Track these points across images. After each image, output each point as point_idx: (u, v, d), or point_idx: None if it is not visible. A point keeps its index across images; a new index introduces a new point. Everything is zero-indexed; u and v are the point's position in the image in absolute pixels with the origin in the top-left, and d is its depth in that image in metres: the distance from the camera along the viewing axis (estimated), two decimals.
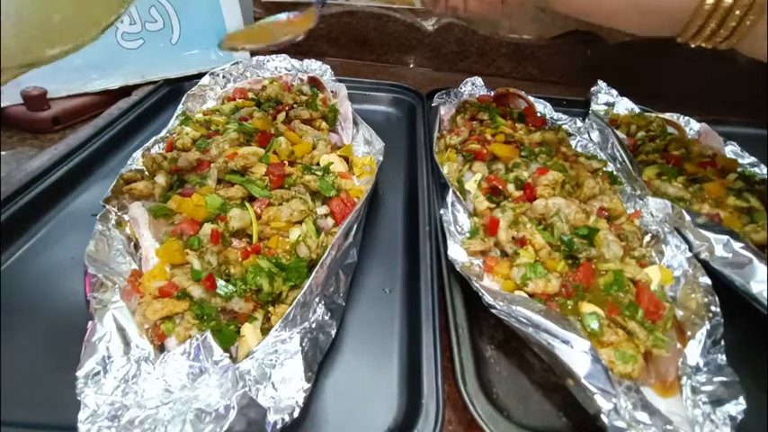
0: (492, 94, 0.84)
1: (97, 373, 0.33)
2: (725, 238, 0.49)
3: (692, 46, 0.45)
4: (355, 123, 0.70)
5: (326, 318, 0.39)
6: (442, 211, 0.54)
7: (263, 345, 0.34)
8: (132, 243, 0.46)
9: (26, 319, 0.41)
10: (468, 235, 0.52)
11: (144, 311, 0.37)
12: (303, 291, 0.37)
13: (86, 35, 0.32)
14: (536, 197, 0.53)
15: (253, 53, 0.90)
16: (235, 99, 0.72)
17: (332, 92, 0.79)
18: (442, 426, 0.35)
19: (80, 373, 0.33)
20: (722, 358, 0.38)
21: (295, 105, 0.69)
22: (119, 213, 0.49)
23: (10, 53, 0.29)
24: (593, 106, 0.86)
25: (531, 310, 0.38)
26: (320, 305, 0.39)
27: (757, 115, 0.87)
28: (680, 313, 0.42)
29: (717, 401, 0.35)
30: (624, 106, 0.87)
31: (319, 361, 0.37)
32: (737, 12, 0.39)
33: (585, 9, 0.48)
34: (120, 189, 0.50)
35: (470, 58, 1.15)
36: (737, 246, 0.48)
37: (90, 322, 0.36)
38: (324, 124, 0.68)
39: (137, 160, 0.56)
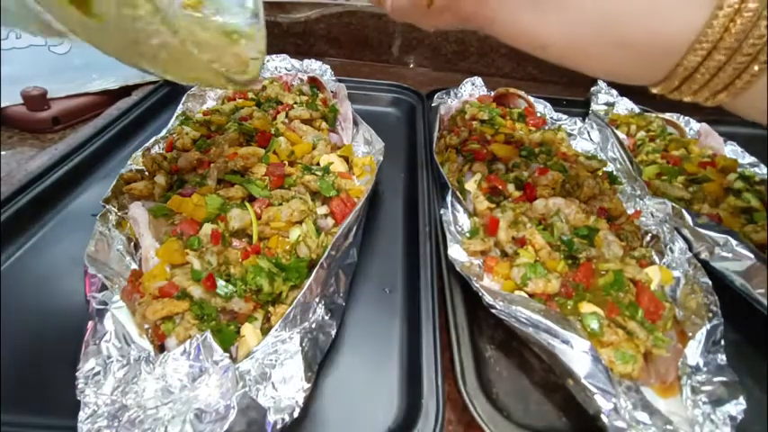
0: (492, 94, 0.84)
1: (97, 373, 0.33)
2: (725, 238, 0.49)
3: (669, 97, 0.35)
4: (355, 123, 0.70)
5: (326, 318, 0.39)
6: (442, 211, 0.54)
7: (263, 345, 0.34)
8: (132, 243, 0.46)
9: (26, 319, 0.41)
10: (468, 235, 0.52)
11: (144, 311, 0.37)
12: (303, 291, 0.37)
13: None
14: (536, 197, 0.53)
15: None
16: (235, 99, 0.72)
17: (332, 92, 0.79)
18: (442, 426, 0.35)
19: (80, 373, 0.33)
20: (722, 358, 0.38)
21: (295, 105, 0.69)
22: (119, 213, 0.49)
23: None
24: (593, 106, 0.86)
25: (531, 310, 0.38)
26: (320, 305, 0.39)
27: None
28: (680, 313, 0.42)
29: (717, 401, 0.35)
30: (624, 106, 0.87)
31: (319, 361, 0.37)
32: (733, 67, 0.29)
33: (531, 41, 0.37)
34: (120, 189, 0.50)
35: (470, 58, 1.15)
36: (737, 246, 0.48)
37: (90, 322, 0.36)
38: (324, 124, 0.68)
39: (137, 160, 0.56)
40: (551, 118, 0.80)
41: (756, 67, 0.29)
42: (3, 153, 0.65)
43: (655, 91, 0.35)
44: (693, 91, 0.33)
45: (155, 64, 0.35)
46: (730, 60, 0.29)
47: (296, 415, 0.31)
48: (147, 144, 0.59)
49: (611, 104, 0.87)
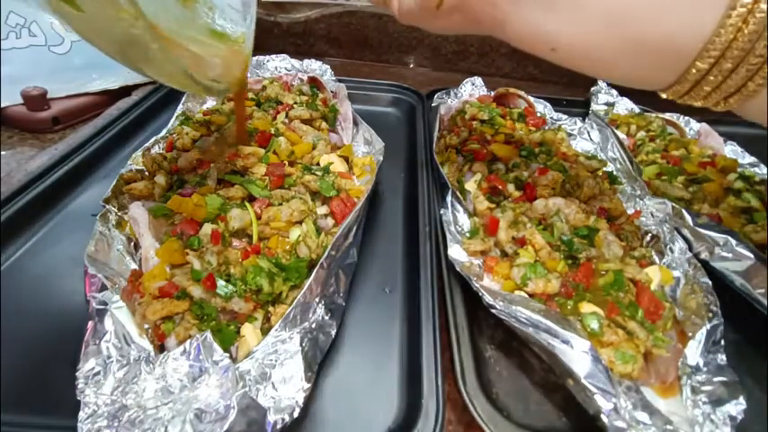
0: (492, 94, 0.84)
1: (97, 373, 0.33)
2: (725, 238, 0.49)
3: (679, 102, 0.35)
4: (355, 123, 0.70)
5: (326, 318, 0.39)
6: (442, 211, 0.54)
7: (263, 345, 0.34)
8: (132, 243, 0.46)
9: (26, 319, 0.41)
10: (468, 235, 0.52)
11: (144, 311, 0.37)
12: (303, 291, 0.37)
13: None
14: (536, 197, 0.53)
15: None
16: None
17: (332, 92, 0.79)
18: (443, 426, 0.35)
19: (80, 373, 0.33)
20: (722, 358, 0.38)
21: (295, 105, 0.69)
22: (119, 213, 0.49)
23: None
24: (593, 106, 0.86)
25: (531, 310, 0.38)
26: (320, 305, 0.39)
27: None
28: (680, 313, 0.42)
29: (717, 401, 0.35)
30: (624, 106, 0.87)
31: (319, 361, 0.37)
32: (744, 70, 0.29)
33: (542, 43, 0.36)
34: (120, 189, 0.50)
35: (470, 58, 1.15)
36: (737, 246, 0.48)
37: (90, 322, 0.36)
38: (324, 124, 0.68)
39: (137, 160, 0.56)
40: (551, 118, 0.80)
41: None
42: (3, 153, 0.65)
43: (665, 96, 0.35)
44: (705, 95, 0.32)
45: (134, 62, 0.35)
46: (743, 62, 0.29)
47: (296, 415, 0.31)
48: (147, 144, 0.59)
49: (611, 104, 0.87)
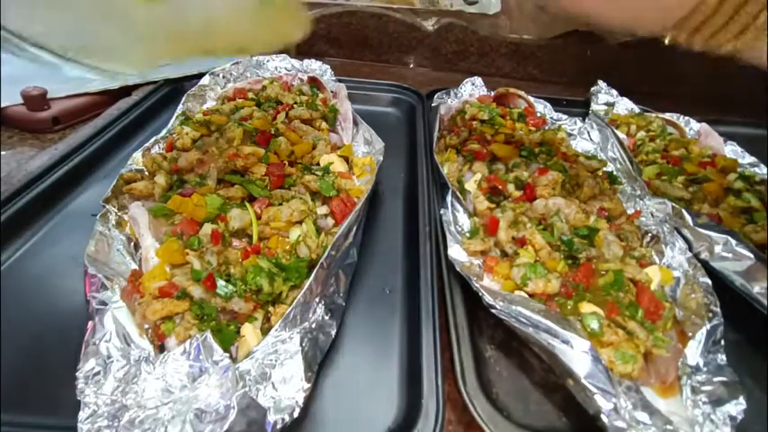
0: (492, 94, 0.84)
1: (97, 373, 0.33)
2: (725, 237, 0.49)
3: (685, 46, 0.36)
4: (355, 123, 0.70)
5: (326, 318, 0.39)
6: (442, 211, 0.54)
7: (263, 345, 0.34)
8: (132, 243, 0.46)
9: (26, 319, 0.41)
10: (468, 235, 0.52)
11: (144, 311, 0.37)
12: (303, 291, 0.37)
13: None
14: (536, 197, 0.53)
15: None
16: (235, 99, 0.72)
17: (332, 92, 0.79)
18: (443, 425, 0.35)
19: (80, 373, 0.33)
20: (722, 358, 0.38)
21: (295, 105, 0.69)
22: (119, 213, 0.49)
23: None
24: (593, 106, 0.86)
25: (531, 310, 0.38)
26: (320, 305, 0.39)
27: (757, 115, 0.87)
28: (680, 313, 0.42)
29: (717, 401, 0.35)
30: (624, 106, 0.87)
31: (319, 361, 0.37)
32: (749, 10, 0.30)
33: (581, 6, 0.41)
34: (120, 189, 0.50)
35: (470, 58, 1.15)
36: (737, 246, 0.48)
37: (90, 322, 0.36)
38: (324, 124, 0.68)
39: (137, 160, 0.56)
40: (551, 118, 0.80)
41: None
42: (3, 153, 0.65)
43: (670, 35, 0.36)
44: (712, 33, 0.33)
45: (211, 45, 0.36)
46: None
47: (296, 415, 0.31)
48: (147, 144, 0.59)
49: (611, 104, 0.87)
